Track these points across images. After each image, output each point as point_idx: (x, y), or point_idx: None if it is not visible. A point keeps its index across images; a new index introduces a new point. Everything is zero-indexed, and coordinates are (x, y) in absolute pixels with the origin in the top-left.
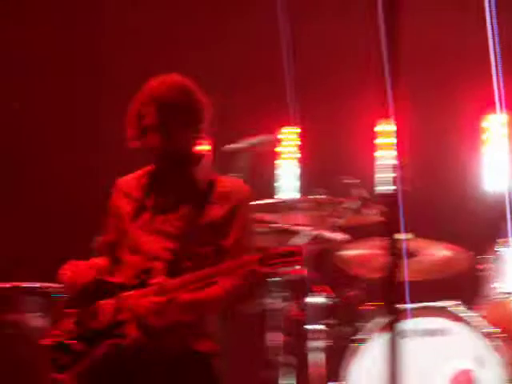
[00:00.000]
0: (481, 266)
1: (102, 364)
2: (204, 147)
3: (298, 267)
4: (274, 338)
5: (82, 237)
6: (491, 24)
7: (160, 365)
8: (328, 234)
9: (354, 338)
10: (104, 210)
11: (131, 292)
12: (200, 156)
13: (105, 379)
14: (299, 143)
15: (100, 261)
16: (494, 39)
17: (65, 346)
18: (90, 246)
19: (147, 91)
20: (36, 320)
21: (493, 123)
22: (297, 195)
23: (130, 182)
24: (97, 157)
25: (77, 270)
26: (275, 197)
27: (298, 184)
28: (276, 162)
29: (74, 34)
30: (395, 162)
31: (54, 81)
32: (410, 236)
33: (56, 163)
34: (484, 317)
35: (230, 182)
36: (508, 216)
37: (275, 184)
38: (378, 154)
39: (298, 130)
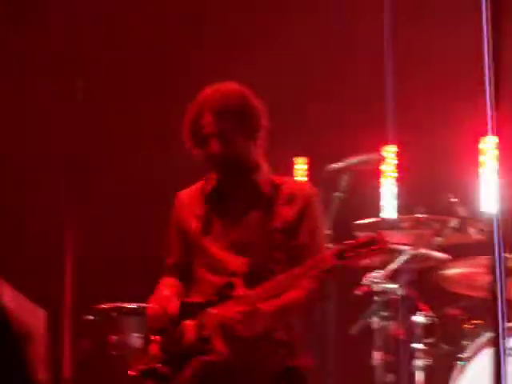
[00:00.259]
0: None
1: None
2: (260, 155)
3: (381, 254)
4: (379, 357)
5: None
6: None
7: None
8: (429, 253)
9: (456, 356)
10: (168, 224)
11: (213, 308)
12: (259, 162)
13: None
14: (396, 162)
15: (173, 281)
16: None
17: (153, 371)
18: (161, 263)
19: (202, 99)
20: (138, 341)
21: None
22: (396, 214)
23: (192, 195)
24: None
25: (162, 303)
26: (378, 216)
27: (395, 203)
28: (380, 180)
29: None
30: (498, 180)
31: (126, 85)
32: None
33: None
34: None
35: (294, 183)
36: None
37: (380, 203)
38: (481, 171)
39: (396, 149)
